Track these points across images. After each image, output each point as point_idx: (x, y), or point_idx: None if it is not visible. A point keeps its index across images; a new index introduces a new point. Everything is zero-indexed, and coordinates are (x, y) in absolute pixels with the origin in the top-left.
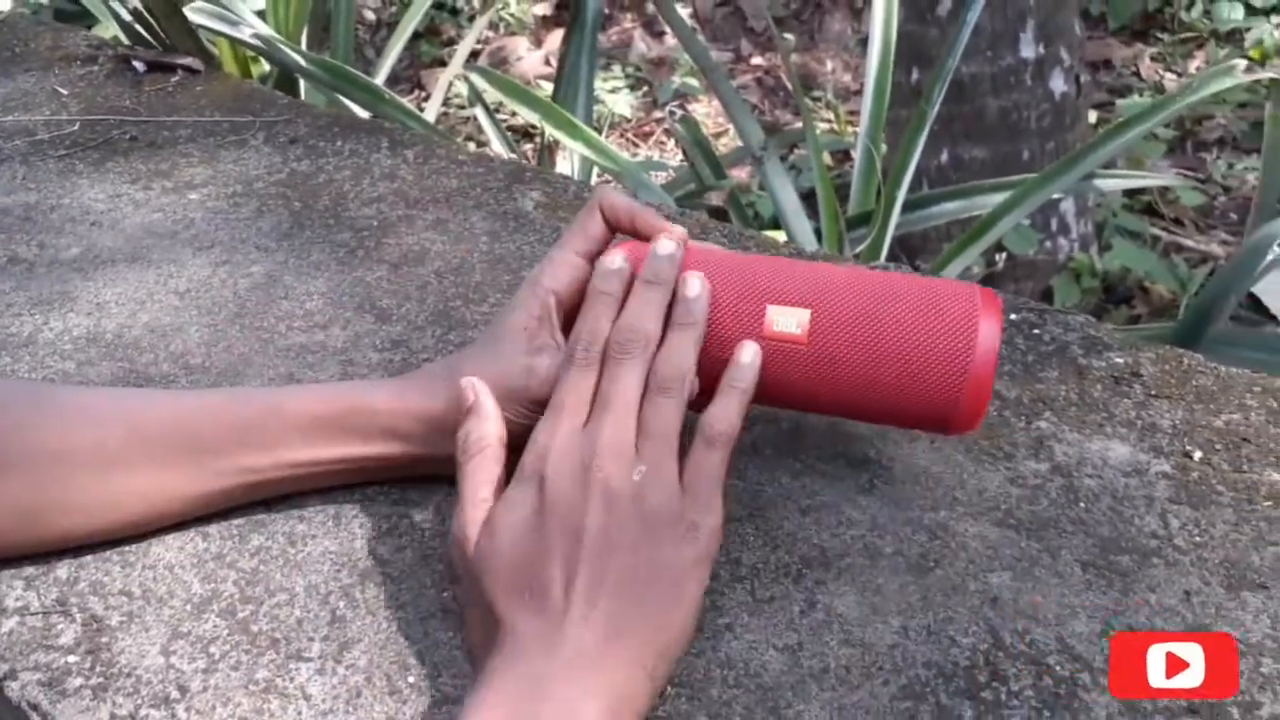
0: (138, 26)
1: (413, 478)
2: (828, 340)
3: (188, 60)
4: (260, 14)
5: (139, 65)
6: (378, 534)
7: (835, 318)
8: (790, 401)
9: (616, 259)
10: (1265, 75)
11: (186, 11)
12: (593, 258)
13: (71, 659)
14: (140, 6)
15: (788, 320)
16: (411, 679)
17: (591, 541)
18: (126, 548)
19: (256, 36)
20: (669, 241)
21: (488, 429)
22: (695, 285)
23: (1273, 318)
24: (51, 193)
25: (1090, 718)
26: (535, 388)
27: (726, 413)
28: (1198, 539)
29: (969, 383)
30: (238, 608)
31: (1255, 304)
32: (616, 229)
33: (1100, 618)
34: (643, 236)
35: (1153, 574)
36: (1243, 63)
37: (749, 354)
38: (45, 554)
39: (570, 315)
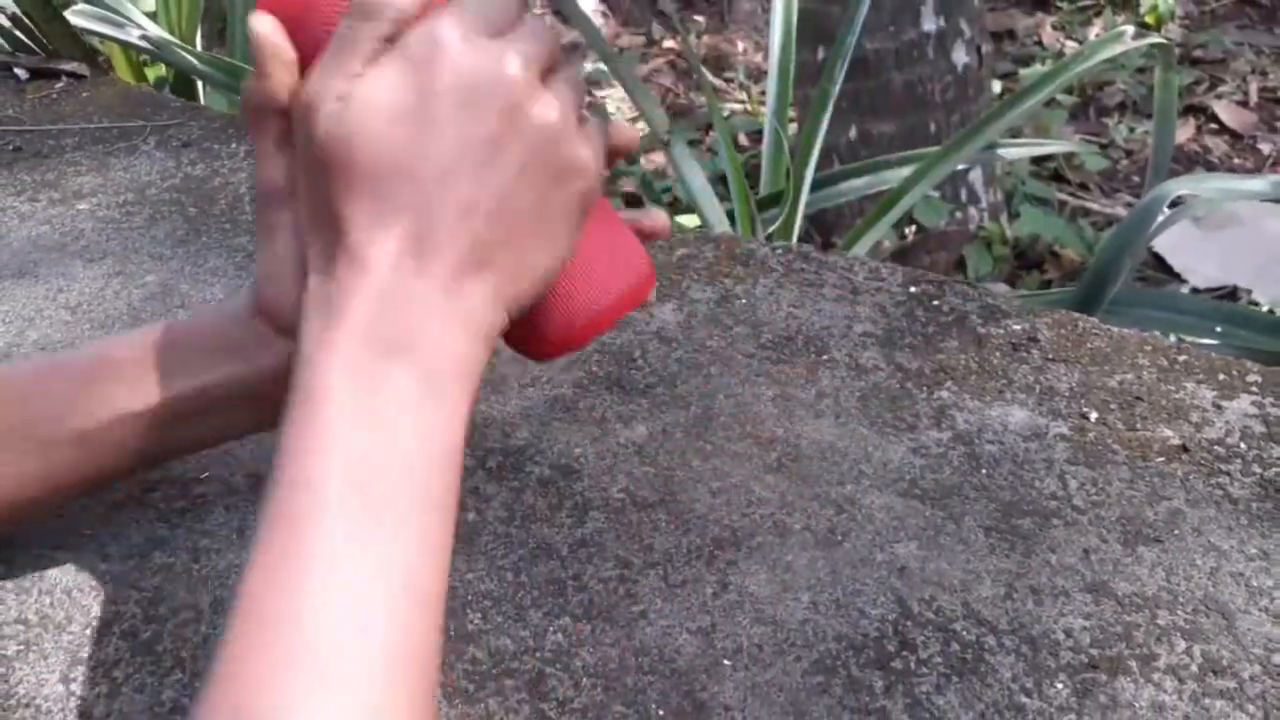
0: (17, 32)
1: None
2: None
3: (72, 66)
4: (152, 15)
5: (21, 72)
6: None
7: None
8: None
9: None
10: (1150, 41)
11: (68, 15)
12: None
13: None
14: (19, 11)
15: None
16: None
17: (483, 153)
18: (21, 575)
19: (145, 38)
20: None
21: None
22: None
23: (1176, 275)
24: None
25: (996, 679)
26: None
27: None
28: (1095, 498)
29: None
30: (140, 629)
31: (1159, 262)
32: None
33: (1004, 581)
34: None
35: (1053, 535)
36: (1130, 29)
37: None
38: None
39: None
